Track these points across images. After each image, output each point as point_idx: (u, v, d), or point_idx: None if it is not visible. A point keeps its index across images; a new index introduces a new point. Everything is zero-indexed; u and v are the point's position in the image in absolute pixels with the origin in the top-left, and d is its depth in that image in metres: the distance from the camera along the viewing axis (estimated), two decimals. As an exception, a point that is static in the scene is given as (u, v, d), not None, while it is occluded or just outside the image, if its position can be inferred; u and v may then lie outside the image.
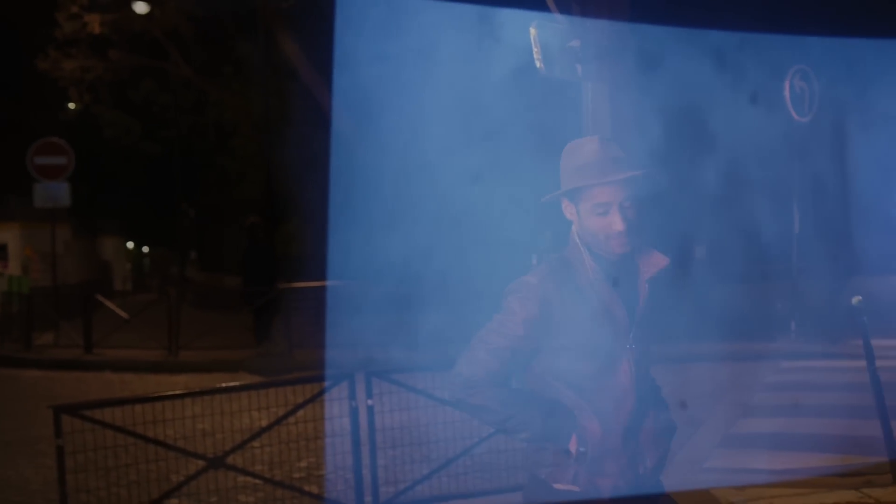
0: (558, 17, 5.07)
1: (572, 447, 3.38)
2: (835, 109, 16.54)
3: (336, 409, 7.93)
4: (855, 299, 7.94)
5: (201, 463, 7.40)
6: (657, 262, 3.48)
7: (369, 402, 7.62)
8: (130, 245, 57.70)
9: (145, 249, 61.97)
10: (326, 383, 7.89)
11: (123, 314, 19.56)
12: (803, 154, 16.02)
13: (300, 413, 7.97)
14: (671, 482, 3.75)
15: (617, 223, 3.31)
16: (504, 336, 3.44)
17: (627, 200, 3.34)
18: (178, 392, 7.90)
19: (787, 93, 15.59)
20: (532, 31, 4.91)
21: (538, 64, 4.96)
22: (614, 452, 3.39)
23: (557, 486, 3.44)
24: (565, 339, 3.37)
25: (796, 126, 15.83)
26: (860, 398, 8.19)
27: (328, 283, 18.59)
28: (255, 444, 7.92)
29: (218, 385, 8.24)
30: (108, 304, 20.28)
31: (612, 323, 3.37)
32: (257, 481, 7.97)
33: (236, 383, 8.44)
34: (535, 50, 4.92)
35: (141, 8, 23.88)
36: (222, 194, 27.33)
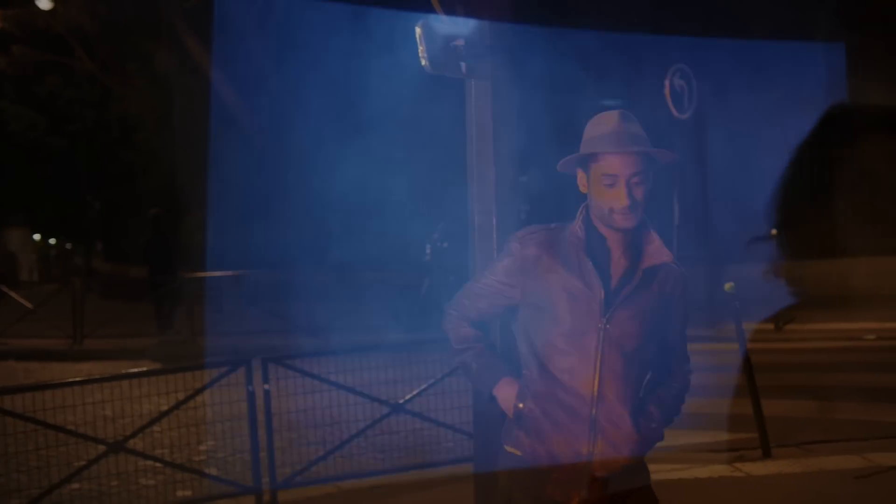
0: (443, 17, 5.08)
1: (514, 402, 3.32)
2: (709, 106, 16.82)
3: (234, 394, 7.90)
4: (728, 286, 8.10)
5: (102, 448, 7.31)
6: (659, 254, 3.36)
7: (266, 386, 7.59)
8: (37, 237, 56.63)
9: (52, 241, 60.85)
10: (224, 369, 7.84)
11: (28, 304, 19.19)
12: (682, 149, 16.26)
13: (200, 398, 7.91)
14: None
15: (623, 197, 3.21)
16: (489, 282, 3.43)
17: (636, 176, 3.24)
18: (80, 379, 7.79)
19: (667, 91, 15.81)
20: (417, 30, 4.92)
21: (423, 62, 4.96)
22: (562, 425, 3.26)
23: (507, 447, 3.38)
24: (538, 300, 3.29)
25: (676, 122, 16.07)
26: (733, 378, 8.35)
27: (230, 272, 18.44)
28: (157, 428, 7.84)
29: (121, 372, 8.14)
30: (12, 294, 19.86)
31: (586, 297, 3.24)
32: (158, 465, 7.89)
33: (139, 369, 8.31)
34: (420, 48, 4.93)
35: (44, 4, 23.37)
36: (126, 187, 26.92)
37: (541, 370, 3.29)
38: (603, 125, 3.29)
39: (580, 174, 3.36)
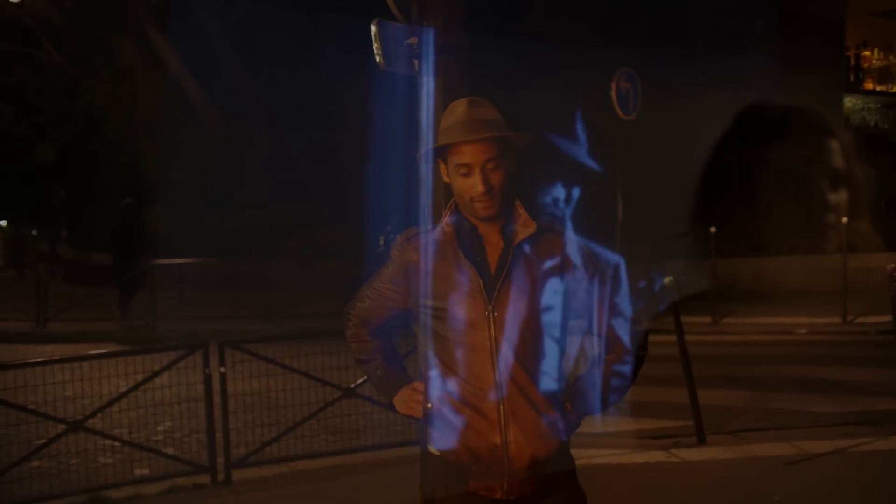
0: (398, 16, 5.08)
1: (421, 404, 3.22)
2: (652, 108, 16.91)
3: (192, 377, 7.86)
4: (667, 279, 8.14)
5: (63, 427, 7.24)
6: (525, 227, 3.18)
7: (222, 369, 7.55)
8: (3, 223, 56.04)
9: (14, 227, 60.19)
10: (182, 352, 7.79)
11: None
12: (627, 149, 16.35)
13: (159, 380, 7.86)
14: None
15: (478, 185, 3.07)
16: (379, 287, 3.33)
17: (491, 162, 3.09)
18: (42, 360, 7.71)
19: (613, 93, 15.87)
20: (373, 28, 4.90)
21: (378, 59, 4.94)
22: (472, 419, 3.11)
23: (430, 447, 3.23)
24: (425, 300, 3.18)
25: (622, 123, 16.15)
26: (670, 368, 8.39)
27: (190, 260, 18.33)
28: (116, 409, 7.79)
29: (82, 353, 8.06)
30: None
31: (467, 289, 3.11)
32: (116, 444, 7.82)
33: (99, 351, 8.24)
34: (375, 46, 4.91)
35: (12, -4, 23.10)
36: (91, 176, 26.62)
37: (442, 367, 3.17)
38: (453, 114, 3.17)
39: (441, 166, 3.24)
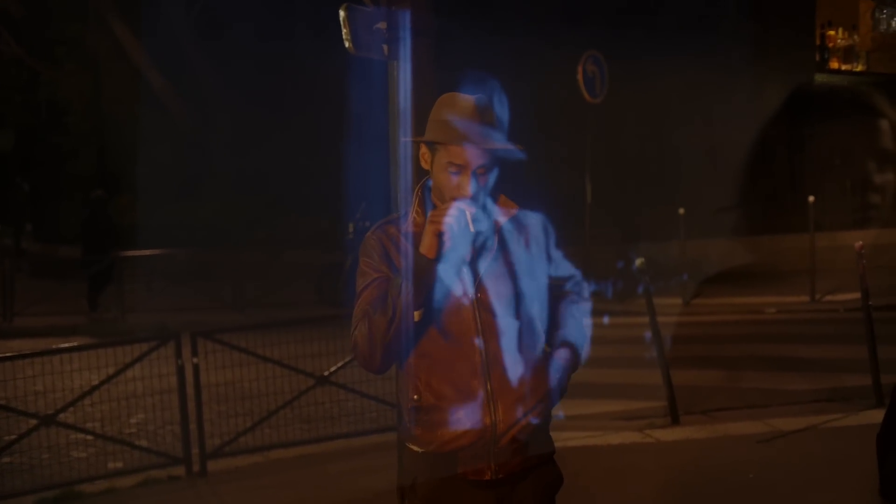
0: (367, 1, 5.08)
1: (410, 396, 3.17)
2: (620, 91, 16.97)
3: (164, 368, 7.84)
4: (638, 261, 8.19)
5: (34, 422, 7.21)
6: (507, 209, 3.22)
7: (195, 360, 7.55)
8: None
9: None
10: (154, 343, 7.77)
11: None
12: (594, 130, 16.40)
13: (131, 372, 7.84)
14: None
15: (466, 187, 3.05)
16: (365, 281, 3.20)
17: (483, 167, 3.07)
18: (11, 354, 7.67)
19: (580, 76, 15.92)
20: (342, 13, 4.89)
21: (347, 44, 4.94)
22: (459, 403, 3.11)
23: (410, 445, 3.22)
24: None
25: (589, 106, 16.20)
26: (643, 350, 8.45)
27: (159, 251, 18.25)
28: (88, 402, 7.75)
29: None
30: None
31: (446, 274, 3.07)
32: (89, 437, 7.81)
33: (69, 345, 8.20)
34: (344, 31, 4.90)
35: (-30, -12, 22.84)
36: (56, 169, 26.37)
37: (429, 357, 3.14)
38: (456, 110, 3.11)
39: (423, 150, 3.20)
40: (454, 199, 3.07)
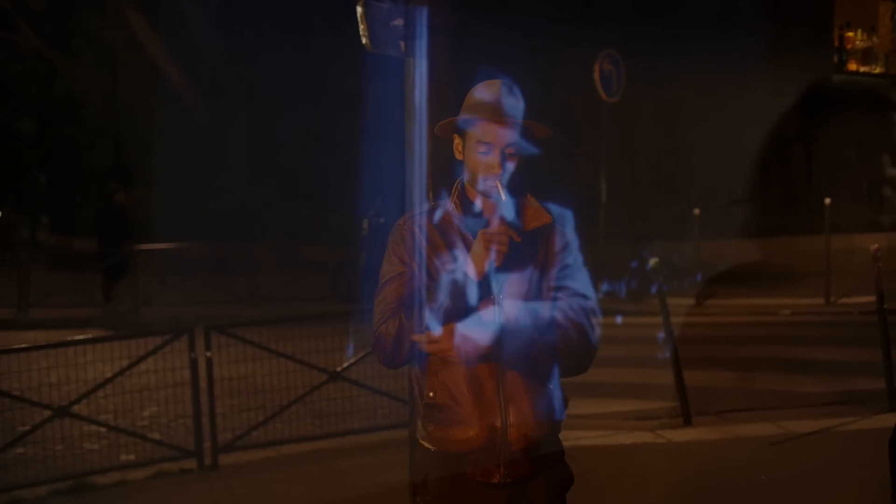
0: (385, -1, 5.09)
1: (426, 393, 3.18)
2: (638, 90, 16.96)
3: (178, 362, 7.87)
4: (652, 261, 8.18)
5: (48, 413, 7.24)
6: (538, 216, 3.24)
7: (208, 354, 7.57)
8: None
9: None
10: (168, 337, 7.80)
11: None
12: (611, 129, 16.40)
13: (144, 365, 7.86)
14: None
15: (495, 166, 3.11)
16: (392, 272, 3.21)
17: (511, 147, 3.13)
18: (26, 346, 7.70)
19: (597, 75, 15.91)
20: (359, 9, 4.89)
21: (364, 41, 4.94)
22: (472, 403, 3.12)
23: (422, 441, 3.23)
24: (428, 280, 3.14)
25: (605, 105, 16.20)
26: (656, 350, 8.44)
27: (174, 245, 18.29)
28: (102, 394, 7.77)
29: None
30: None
31: (469, 268, 3.06)
32: (102, 429, 7.83)
33: (84, 337, 8.22)
34: (361, 27, 4.90)
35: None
36: (73, 162, 26.46)
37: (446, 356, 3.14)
38: (485, 93, 3.20)
39: (456, 140, 3.26)
40: (485, 177, 3.14)
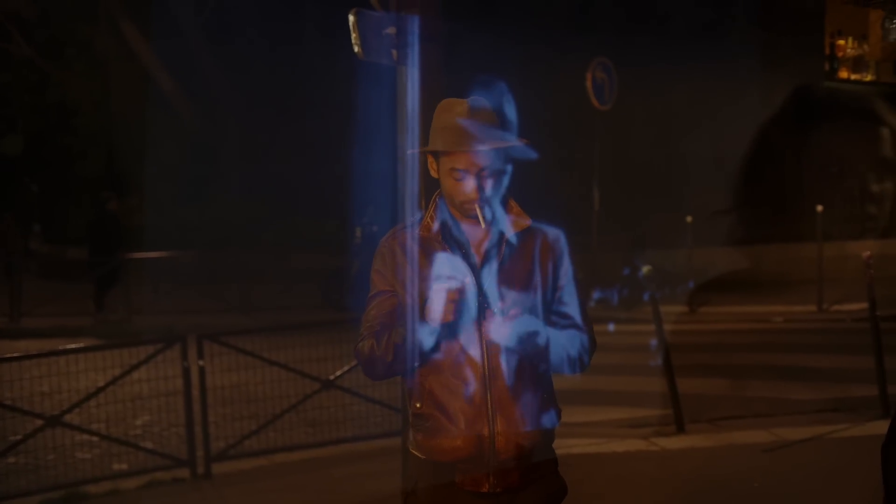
0: (376, 5, 5.09)
1: (413, 403, 3.16)
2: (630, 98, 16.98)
3: (170, 370, 7.85)
4: (645, 269, 8.19)
5: (39, 422, 7.21)
6: (521, 220, 3.15)
7: (200, 362, 7.55)
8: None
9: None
10: (160, 345, 7.78)
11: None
12: (604, 137, 16.41)
13: (136, 374, 7.84)
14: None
15: (472, 191, 3.03)
16: (375, 289, 3.20)
17: (486, 170, 3.02)
18: (17, 355, 7.67)
19: (589, 83, 15.92)
20: (351, 18, 4.90)
21: (356, 49, 4.94)
22: (459, 413, 3.09)
23: (413, 450, 3.21)
24: (413, 294, 3.09)
25: (597, 113, 16.21)
26: (649, 358, 8.43)
27: (166, 254, 18.28)
28: (94, 403, 7.75)
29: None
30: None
31: (454, 283, 2.97)
32: (94, 438, 7.81)
33: (76, 346, 8.21)
34: (353, 36, 4.91)
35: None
36: (65, 170, 26.44)
37: (432, 366, 3.12)
38: (451, 116, 3.06)
39: (430, 159, 3.17)
40: (463, 203, 3.07)
